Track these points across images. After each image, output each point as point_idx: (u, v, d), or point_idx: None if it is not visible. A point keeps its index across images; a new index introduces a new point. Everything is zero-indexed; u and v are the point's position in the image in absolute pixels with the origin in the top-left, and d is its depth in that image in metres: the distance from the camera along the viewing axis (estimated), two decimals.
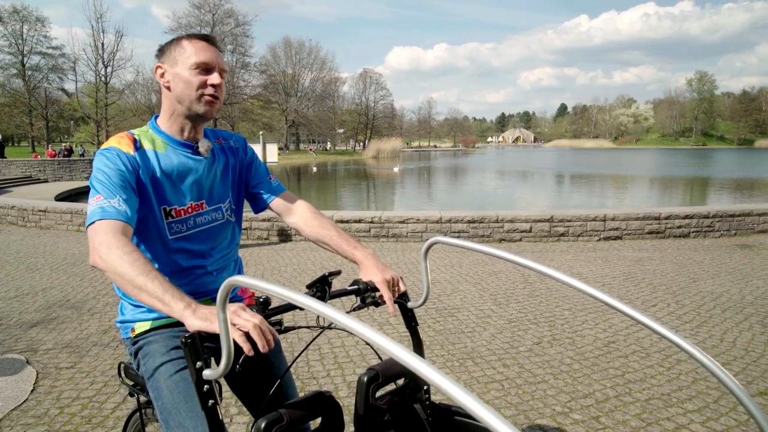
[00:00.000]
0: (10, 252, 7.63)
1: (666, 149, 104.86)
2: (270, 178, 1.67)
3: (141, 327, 1.45)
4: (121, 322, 1.49)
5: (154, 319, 1.44)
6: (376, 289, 1.42)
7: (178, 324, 1.42)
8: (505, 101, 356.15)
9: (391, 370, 1.34)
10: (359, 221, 8.37)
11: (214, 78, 1.42)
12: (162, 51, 1.47)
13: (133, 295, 1.16)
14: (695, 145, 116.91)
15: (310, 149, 73.98)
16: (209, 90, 1.42)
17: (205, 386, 1.09)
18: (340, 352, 3.78)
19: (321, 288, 1.31)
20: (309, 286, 1.32)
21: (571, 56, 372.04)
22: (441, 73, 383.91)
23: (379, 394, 1.33)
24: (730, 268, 6.23)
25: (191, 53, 1.41)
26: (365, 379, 1.30)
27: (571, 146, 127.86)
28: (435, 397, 1.48)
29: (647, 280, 5.72)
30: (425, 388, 1.45)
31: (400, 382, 1.42)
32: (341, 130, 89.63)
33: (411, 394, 1.40)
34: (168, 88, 1.44)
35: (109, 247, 1.20)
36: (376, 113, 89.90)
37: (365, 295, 1.41)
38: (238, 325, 1.04)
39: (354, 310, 1.37)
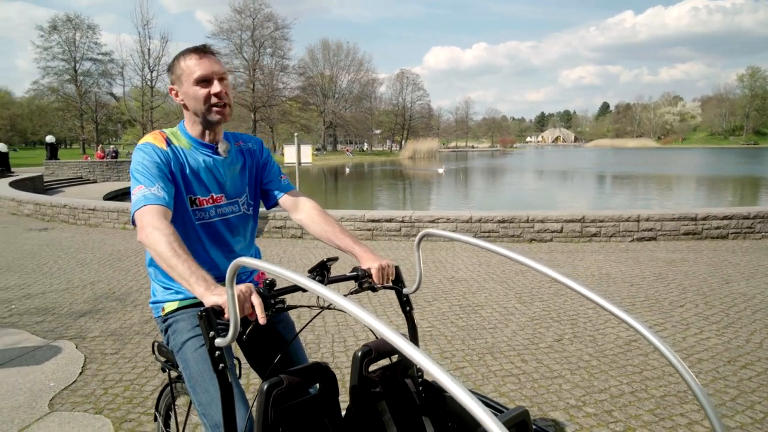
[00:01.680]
0: (62, 248, 8.13)
1: (714, 148, 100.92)
2: (281, 178, 1.84)
3: (170, 306, 1.64)
4: (153, 302, 1.69)
5: (181, 300, 1.64)
6: (372, 276, 1.58)
7: (201, 304, 1.61)
8: (545, 100, 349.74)
9: (384, 347, 1.49)
10: (390, 220, 8.52)
11: (215, 87, 1.59)
12: (170, 71, 1.66)
13: (167, 271, 1.36)
14: (746, 144, 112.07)
15: (347, 150, 74.71)
16: (214, 100, 1.60)
17: (217, 352, 1.27)
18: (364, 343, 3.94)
19: (320, 272, 1.46)
20: (310, 271, 1.48)
21: (614, 53, 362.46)
22: (479, 73, 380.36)
23: (372, 368, 1.48)
24: (767, 270, 6.08)
25: (190, 71, 1.59)
26: (359, 354, 1.45)
27: (613, 146, 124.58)
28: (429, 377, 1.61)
29: (678, 281, 5.66)
30: (418, 366, 1.59)
31: (395, 358, 1.56)
32: (378, 131, 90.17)
33: (402, 370, 1.55)
34: (185, 106, 1.64)
35: (153, 228, 1.40)
36: (413, 114, 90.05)
37: (362, 280, 1.56)
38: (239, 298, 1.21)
39: (351, 293, 1.53)
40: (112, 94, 57.69)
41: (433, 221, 8.44)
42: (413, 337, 1.68)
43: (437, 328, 4.30)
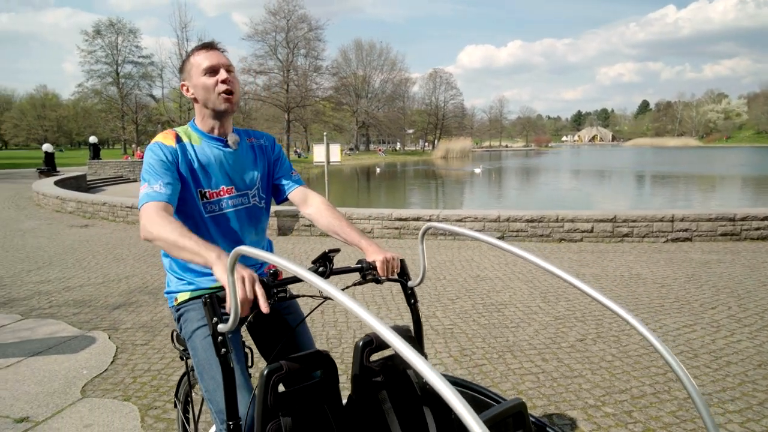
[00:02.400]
0: (100, 243, 8.45)
1: (761, 147, 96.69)
2: (292, 173, 1.89)
3: (182, 297, 1.71)
4: (168, 293, 1.77)
5: (192, 290, 1.70)
6: (377, 269, 1.61)
7: (212, 294, 1.68)
8: (581, 98, 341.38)
9: None
10: (417, 219, 8.53)
11: (222, 75, 1.66)
12: (181, 70, 1.74)
13: (178, 255, 1.41)
14: None
15: (380, 150, 74.88)
16: (221, 87, 1.66)
17: (219, 337, 1.32)
18: None
19: (323, 263, 1.50)
20: (314, 262, 1.52)
21: (655, 50, 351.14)
22: (514, 71, 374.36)
23: (374, 358, 1.51)
24: None
25: (198, 64, 1.67)
26: (361, 343, 1.49)
27: (653, 145, 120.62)
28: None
29: (711, 283, 5.50)
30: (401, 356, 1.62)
31: None
32: (411, 131, 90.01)
33: (404, 361, 1.57)
34: (195, 100, 1.70)
35: (153, 222, 1.46)
36: (446, 113, 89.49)
37: (366, 272, 1.60)
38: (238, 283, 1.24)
39: (355, 284, 1.57)
40: (151, 96, 59.29)
41: (460, 220, 8.41)
42: (417, 328, 1.71)
43: (458, 325, 4.30)
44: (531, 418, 1.38)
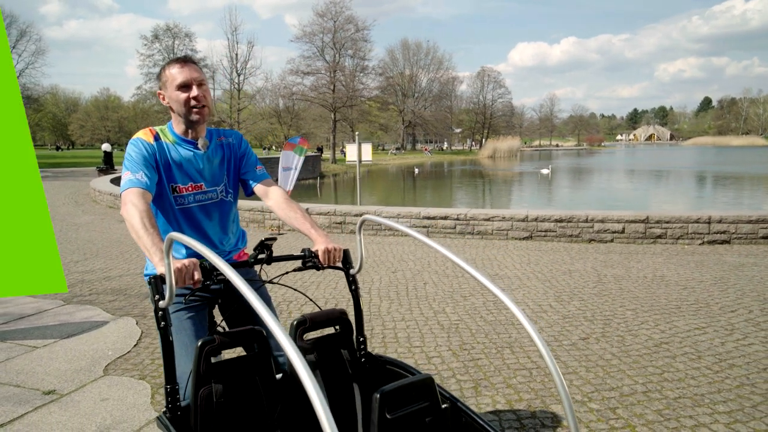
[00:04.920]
0: None
1: None
2: (257, 168, 2.06)
3: None
4: (146, 275, 1.98)
5: None
6: (318, 257, 1.76)
7: None
8: (638, 96, 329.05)
9: (318, 318, 1.68)
10: (445, 218, 8.60)
11: (193, 92, 1.84)
12: (158, 79, 1.93)
13: (135, 240, 1.64)
14: None
15: (426, 149, 74.79)
16: (193, 102, 1.84)
17: (160, 312, 1.51)
18: (367, 327, 4.11)
19: (261, 250, 1.66)
20: (254, 249, 1.68)
21: (720, 44, 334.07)
22: (568, 69, 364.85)
23: (310, 337, 1.66)
24: None
25: (173, 78, 1.85)
26: (294, 323, 1.64)
27: (715, 144, 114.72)
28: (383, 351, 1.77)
29: (738, 286, 5.32)
30: (361, 339, 1.76)
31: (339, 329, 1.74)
32: (458, 130, 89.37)
33: (339, 342, 1.71)
34: (171, 108, 1.90)
35: (132, 205, 1.69)
36: (494, 112, 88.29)
37: (307, 260, 1.75)
38: (176, 266, 1.44)
39: (295, 270, 1.73)
40: None
41: (488, 219, 8.42)
42: (357, 313, 1.85)
43: (464, 321, 4.39)
44: (444, 393, 1.50)
